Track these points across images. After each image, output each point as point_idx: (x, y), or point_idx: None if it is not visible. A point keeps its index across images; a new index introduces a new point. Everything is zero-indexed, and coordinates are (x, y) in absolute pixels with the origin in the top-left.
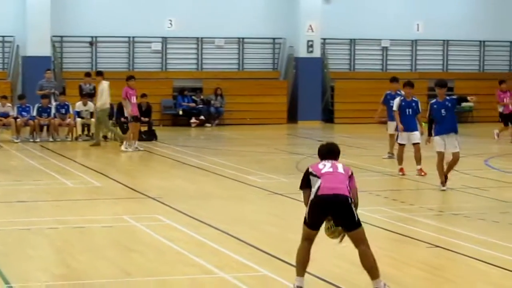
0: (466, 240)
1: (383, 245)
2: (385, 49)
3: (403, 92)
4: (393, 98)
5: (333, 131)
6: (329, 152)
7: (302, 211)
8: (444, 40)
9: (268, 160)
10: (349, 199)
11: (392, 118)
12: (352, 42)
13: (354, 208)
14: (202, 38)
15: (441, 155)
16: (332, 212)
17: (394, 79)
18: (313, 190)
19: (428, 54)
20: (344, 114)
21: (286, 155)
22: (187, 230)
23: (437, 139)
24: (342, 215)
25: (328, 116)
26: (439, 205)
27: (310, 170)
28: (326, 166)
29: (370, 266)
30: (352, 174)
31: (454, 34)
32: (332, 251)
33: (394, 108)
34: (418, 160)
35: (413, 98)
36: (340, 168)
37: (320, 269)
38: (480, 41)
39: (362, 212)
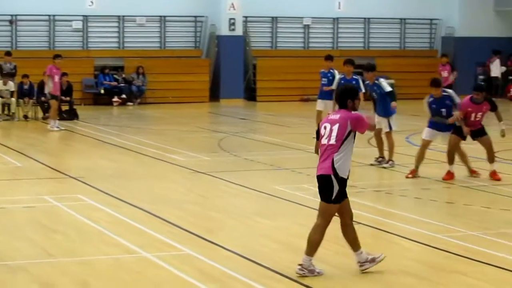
0: (388, 217)
1: (306, 222)
2: (307, 27)
3: (335, 70)
4: (326, 76)
5: (256, 109)
6: (338, 96)
7: (223, 189)
8: (365, 18)
9: (190, 139)
10: (331, 176)
11: (322, 96)
12: (274, 20)
13: (335, 185)
14: (123, 16)
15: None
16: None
17: (328, 57)
18: None
19: (349, 32)
20: (266, 92)
21: (208, 133)
22: (109, 209)
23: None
24: (322, 190)
25: (250, 94)
26: (362, 182)
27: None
28: (326, 130)
29: (352, 238)
30: (354, 119)
31: (375, 12)
32: (258, 231)
33: (334, 86)
34: None
35: (353, 77)
36: (334, 132)
37: (246, 249)
38: (401, 19)
39: (284, 190)
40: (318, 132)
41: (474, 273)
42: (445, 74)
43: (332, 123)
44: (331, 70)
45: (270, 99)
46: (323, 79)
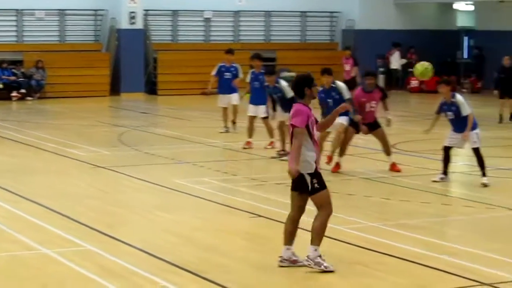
0: (287, 209)
1: (207, 215)
2: (207, 20)
3: (238, 65)
4: (228, 70)
5: (157, 103)
6: (294, 86)
7: (124, 183)
8: (266, 11)
9: (90, 133)
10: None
11: (223, 91)
12: (175, 13)
13: (306, 177)
14: (22, 10)
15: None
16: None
17: (229, 51)
18: None
19: (250, 25)
20: (167, 86)
21: (109, 127)
22: (7, 205)
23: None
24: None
25: (151, 88)
26: (262, 174)
27: None
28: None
29: (315, 229)
30: (293, 113)
31: (275, 5)
32: (159, 225)
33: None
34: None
35: (261, 71)
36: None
37: (147, 243)
38: (302, 12)
39: (185, 184)
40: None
41: (374, 264)
42: (347, 67)
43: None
44: (233, 64)
45: (171, 93)
46: (226, 73)
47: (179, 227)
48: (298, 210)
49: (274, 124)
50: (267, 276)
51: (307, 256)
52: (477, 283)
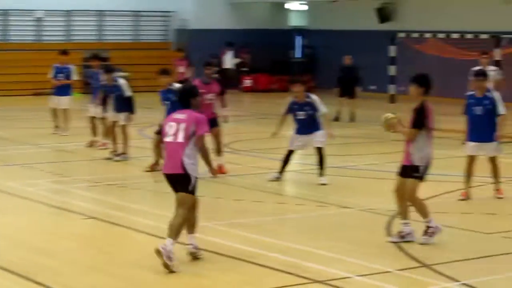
0: (121, 210)
1: (38, 218)
2: (39, 19)
3: (72, 66)
4: (61, 71)
5: None
6: (180, 97)
7: None
8: (98, 11)
9: None
10: (183, 175)
11: (55, 92)
12: (5, 13)
13: (190, 181)
14: None
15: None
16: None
17: (63, 52)
18: None
19: (82, 25)
20: None
21: None
22: None
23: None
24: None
25: None
26: (95, 176)
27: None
28: (171, 129)
29: (171, 225)
30: (198, 121)
31: (108, 4)
32: None
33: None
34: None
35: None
36: (181, 131)
37: None
38: (135, 11)
39: (17, 186)
40: (161, 130)
41: (206, 263)
42: (182, 69)
43: (179, 122)
44: (67, 65)
45: (1, 94)
46: (59, 74)
47: (8, 230)
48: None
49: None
50: (96, 278)
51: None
52: (309, 281)
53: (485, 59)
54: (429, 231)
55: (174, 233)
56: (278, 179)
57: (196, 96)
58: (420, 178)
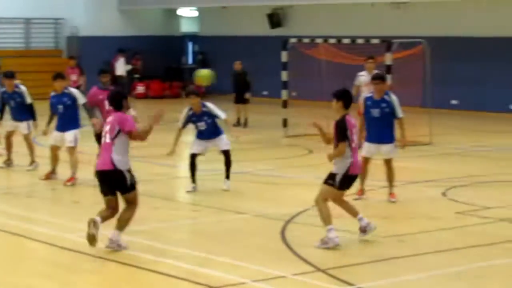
0: (15, 219)
1: None
2: None
3: None
4: None
5: None
6: (112, 101)
7: None
8: None
9: None
10: (113, 171)
11: None
12: None
13: (124, 176)
14: None
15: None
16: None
17: None
18: None
19: None
20: None
21: None
22: None
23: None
24: (116, 185)
25: None
26: None
27: None
28: (104, 130)
29: (122, 219)
30: (120, 121)
31: None
32: None
33: None
34: None
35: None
36: (109, 132)
37: None
38: (26, 18)
39: None
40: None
41: (99, 271)
42: (74, 77)
43: (107, 124)
44: None
45: None
46: None
47: None
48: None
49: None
50: None
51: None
52: (204, 287)
53: (371, 64)
54: (325, 239)
55: (123, 226)
56: (194, 188)
57: (126, 98)
58: (335, 186)
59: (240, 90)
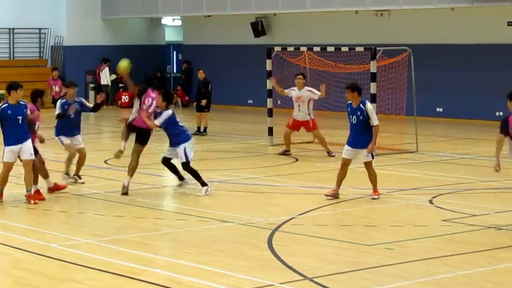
0: None
1: None
2: None
3: None
4: None
5: None
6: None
7: None
8: None
9: None
10: None
11: None
12: None
13: None
14: None
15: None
16: None
17: None
18: None
19: None
20: None
21: None
22: None
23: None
24: None
25: None
26: None
27: None
28: None
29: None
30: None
31: None
32: None
33: None
34: None
35: None
36: None
37: None
38: (10, 29)
39: None
40: None
41: (88, 280)
42: (57, 88)
43: None
44: None
45: None
46: None
47: None
48: None
49: None
50: None
51: None
52: None
53: (300, 80)
54: None
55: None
56: (181, 185)
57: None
58: None
59: (200, 98)
